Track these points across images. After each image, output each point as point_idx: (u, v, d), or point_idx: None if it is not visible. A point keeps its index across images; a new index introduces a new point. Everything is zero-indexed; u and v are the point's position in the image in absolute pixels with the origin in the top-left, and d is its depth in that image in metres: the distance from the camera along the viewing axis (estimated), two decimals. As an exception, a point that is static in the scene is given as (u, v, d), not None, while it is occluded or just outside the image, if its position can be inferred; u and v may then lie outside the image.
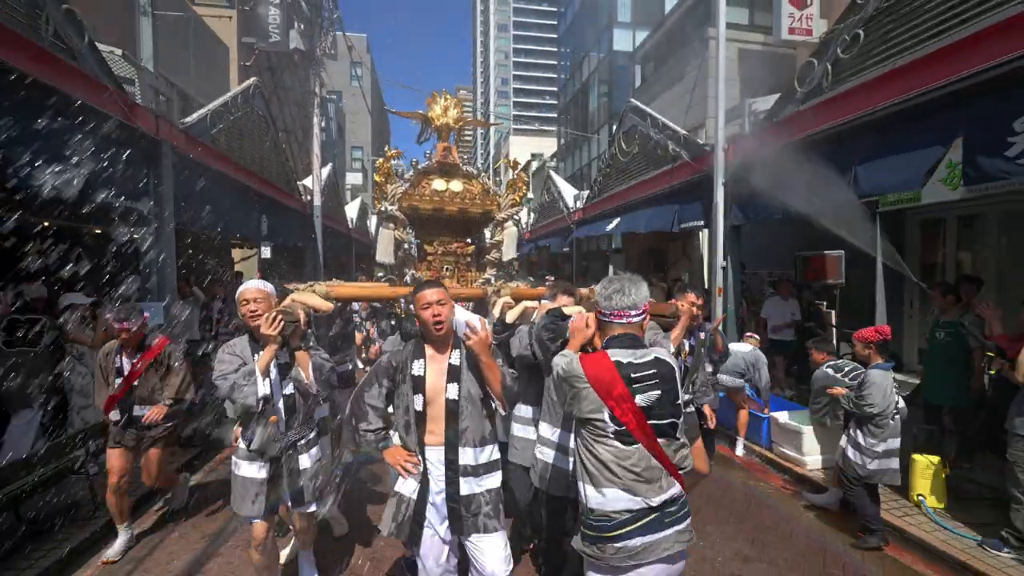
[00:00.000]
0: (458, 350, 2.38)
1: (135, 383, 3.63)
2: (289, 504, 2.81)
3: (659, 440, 1.92)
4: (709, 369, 4.21)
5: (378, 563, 3.53)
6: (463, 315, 2.38)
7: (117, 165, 4.91)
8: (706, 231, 11.01)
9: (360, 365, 5.91)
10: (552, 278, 13.20)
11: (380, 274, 7.87)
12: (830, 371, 4.65)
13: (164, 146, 5.46)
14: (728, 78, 12.82)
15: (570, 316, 2.46)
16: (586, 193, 13.52)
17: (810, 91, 5.38)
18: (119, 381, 3.61)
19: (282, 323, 2.58)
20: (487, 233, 4.78)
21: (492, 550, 2.29)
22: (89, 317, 5.28)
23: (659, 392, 1.93)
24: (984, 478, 4.46)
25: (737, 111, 6.98)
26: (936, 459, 4.28)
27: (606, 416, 1.90)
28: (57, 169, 4.09)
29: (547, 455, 2.73)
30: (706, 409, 3.86)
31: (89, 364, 5.13)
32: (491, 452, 2.41)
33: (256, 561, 2.83)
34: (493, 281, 4.35)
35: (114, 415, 3.62)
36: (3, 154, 3.64)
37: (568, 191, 15.41)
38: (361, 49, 41.29)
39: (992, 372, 3.99)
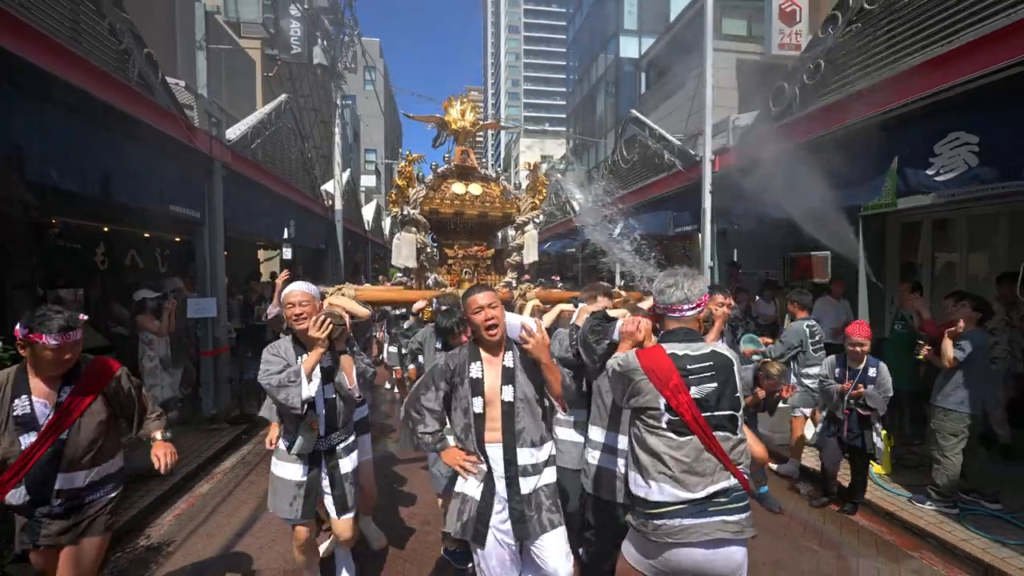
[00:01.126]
0: (511, 352, 2.38)
1: (64, 434, 2.24)
2: (333, 513, 2.75)
3: (716, 433, 1.90)
4: None
5: (417, 564, 3.49)
6: (516, 318, 2.39)
7: (180, 178, 5.74)
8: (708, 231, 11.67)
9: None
10: (557, 278, 13.86)
11: (399, 275, 8.43)
12: (807, 331, 5.09)
13: (216, 162, 6.29)
14: (726, 87, 13.50)
15: (615, 319, 2.48)
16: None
17: (782, 111, 6.06)
18: (29, 438, 2.20)
19: (330, 326, 2.59)
20: (509, 234, 4.73)
21: (554, 546, 2.30)
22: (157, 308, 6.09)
23: (715, 384, 1.93)
24: (928, 451, 5.13)
25: (723, 125, 7.62)
26: (883, 432, 4.94)
27: (661, 405, 1.91)
28: (136, 182, 4.92)
29: (596, 458, 2.69)
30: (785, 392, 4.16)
31: (156, 350, 5.98)
32: (549, 449, 2.43)
33: (299, 560, 2.93)
34: (515, 284, 4.37)
35: (16, 496, 2.22)
36: (90, 169, 4.45)
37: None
38: (374, 54, 42.26)
39: (920, 356, 4.64)
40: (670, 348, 1.97)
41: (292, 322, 2.69)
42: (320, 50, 12.25)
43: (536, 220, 4.58)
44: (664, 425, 1.91)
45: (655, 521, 1.89)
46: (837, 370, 4.29)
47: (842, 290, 7.08)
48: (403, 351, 6.94)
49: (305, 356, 2.64)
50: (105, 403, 2.38)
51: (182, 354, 6.73)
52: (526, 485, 2.30)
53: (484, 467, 2.32)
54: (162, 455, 2.44)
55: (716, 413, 1.91)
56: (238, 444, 5.96)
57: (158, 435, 2.51)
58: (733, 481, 1.90)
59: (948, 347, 4.11)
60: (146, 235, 9.00)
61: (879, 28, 4.74)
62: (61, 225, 6.74)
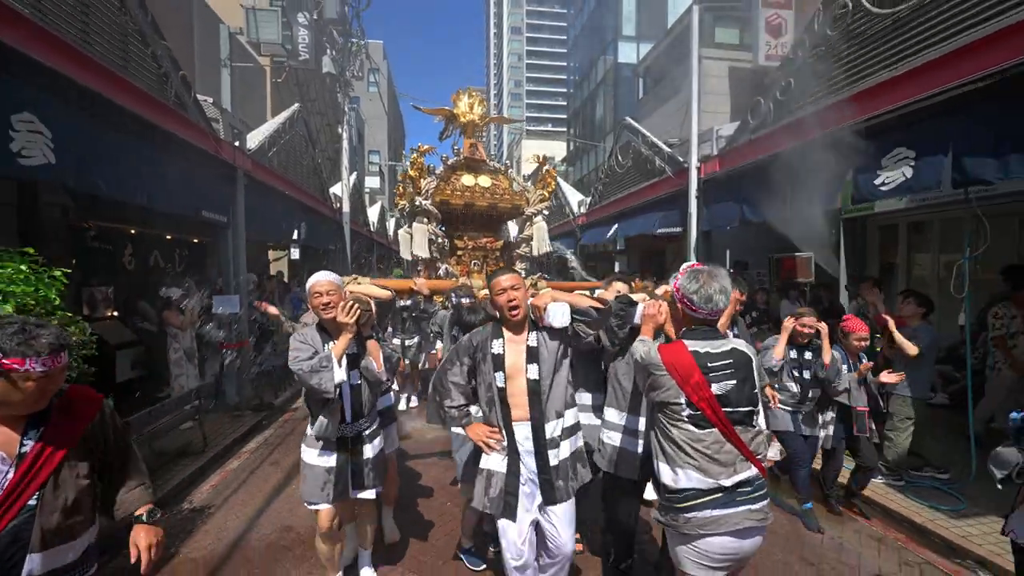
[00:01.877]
0: (535, 332, 2.46)
1: (33, 499, 1.57)
2: (351, 490, 2.85)
3: (735, 428, 1.97)
4: None
5: (432, 564, 3.47)
6: (559, 305, 2.47)
7: (208, 186, 6.31)
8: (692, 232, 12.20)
9: None
10: (548, 277, 14.39)
11: (399, 274, 8.68)
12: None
13: (239, 170, 6.86)
14: (719, 93, 14.01)
15: (637, 303, 2.56)
16: (588, 199, 14.74)
17: (759, 124, 6.59)
18: None
19: (358, 311, 2.66)
20: (512, 227, 4.76)
21: (565, 516, 2.42)
22: (179, 305, 6.65)
23: (735, 381, 2.00)
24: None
25: (709, 134, 8.15)
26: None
27: (683, 401, 1.98)
28: (175, 190, 5.48)
29: (615, 439, 2.76)
30: (768, 390, 3.91)
31: (181, 342, 6.54)
32: (573, 415, 2.54)
33: (322, 550, 2.98)
34: (525, 275, 4.31)
35: None
36: (133, 181, 5.00)
37: (573, 196, 16.59)
38: (377, 56, 42.84)
39: (877, 349, 5.14)
40: (692, 345, 2.03)
41: (319, 311, 2.74)
42: (329, 59, 12.80)
43: (544, 212, 4.56)
44: (685, 418, 1.98)
45: (685, 514, 1.96)
46: (844, 365, 4.12)
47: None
48: (407, 343, 7.43)
49: (333, 343, 2.69)
50: (86, 450, 1.69)
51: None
52: (554, 456, 2.41)
53: (506, 442, 2.41)
54: (146, 547, 1.75)
55: (737, 409, 1.99)
56: (260, 428, 6.52)
57: (143, 514, 1.80)
58: (754, 471, 1.99)
59: (903, 340, 4.61)
60: (167, 237, 9.60)
61: (840, 53, 5.26)
62: (96, 228, 7.33)
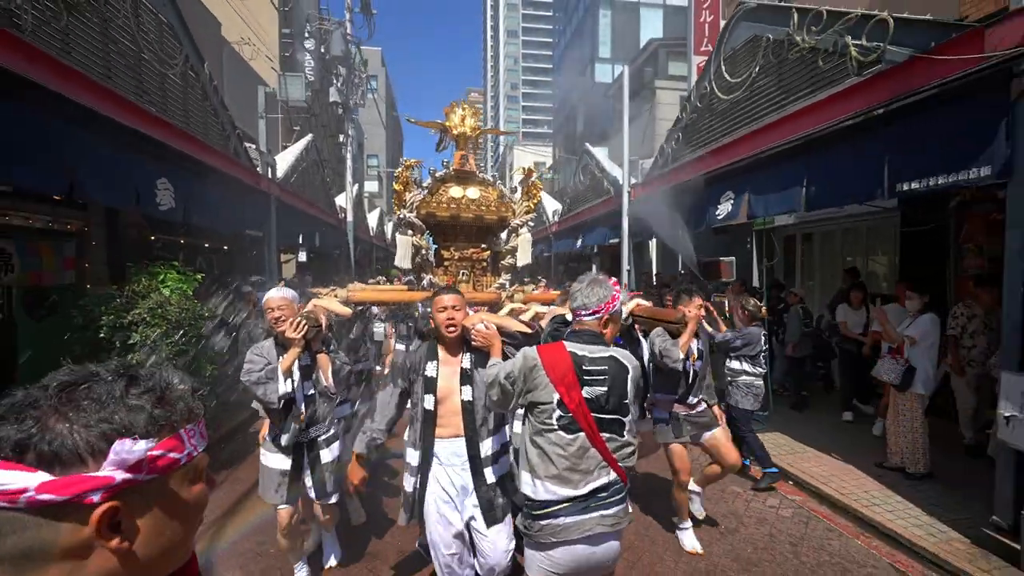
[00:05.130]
0: (469, 354, 2.51)
1: None
2: (313, 496, 2.98)
3: (602, 434, 1.99)
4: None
5: (397, 549, 3.65)
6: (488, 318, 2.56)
7: (251, 209, 8.49)
8: (653, 242, 14.39)
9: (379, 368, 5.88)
10: (544, 279, 16.40)
11: (396, 274, 10.65)
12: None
13: (272, 197, 9.05)
14: (671, 120, 16.16)
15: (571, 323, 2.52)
16: (560, 208, 16.93)
17: (663, 164, 8.79)
18: None
19: (305, 327, 2.79)
20: (503, 237, 4.78)
21: (499, 535, 2.45)
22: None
23: (606, 389, 2.01)
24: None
25: (634, 166, 10.33)
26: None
27: (554, 400, 1.98)
28: (232, 214, 7.65)
29: None
30: (715, 409, 3.94)
31: (247, 325, 8.69)
32: (504, 434, 2.61)
33: (283, 544, 3.08)
34: (507, 286, 4.50)
35: None
36: (211, 212, 7.15)
37: (550, 205, 18.70)
38: (375, 63, 44.87)
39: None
40: (571, 347, 2.06)
41: (272, 325, 2.90)
42: (335, 90, 14.95)
43: (530, 224, 4.79)
44: (554, 422, 1.99)
45: (540, 522, 1.98)
46: None
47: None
48: (411, 348, 9.20)
49: (284, 356, 2.83)
50: None
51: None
52: (490, 474, 2.48)
53: (417, 462, 2.53)
54: None
55: (603, 416, 2.01)
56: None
57: None
58: (613, 476, 2.01)
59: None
60: (206, 245, 11.76)
61: (703, 120, 7.46)
62: (160, 241, 9.50)
